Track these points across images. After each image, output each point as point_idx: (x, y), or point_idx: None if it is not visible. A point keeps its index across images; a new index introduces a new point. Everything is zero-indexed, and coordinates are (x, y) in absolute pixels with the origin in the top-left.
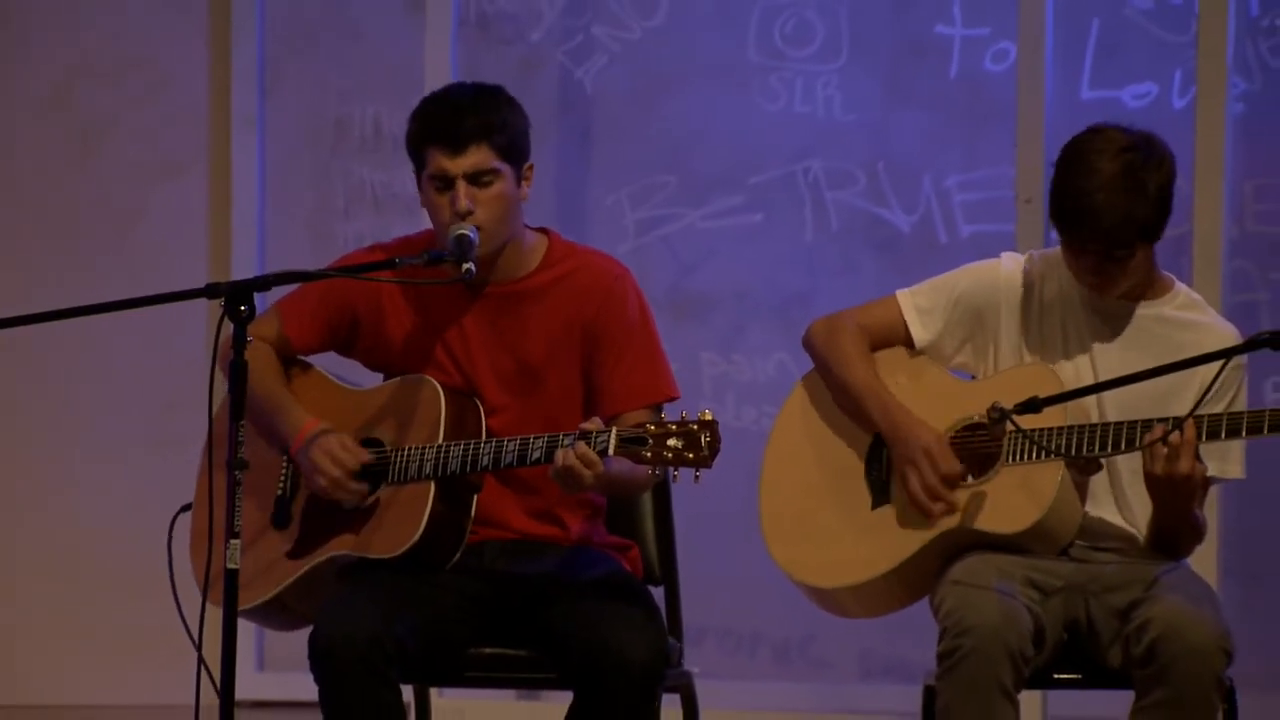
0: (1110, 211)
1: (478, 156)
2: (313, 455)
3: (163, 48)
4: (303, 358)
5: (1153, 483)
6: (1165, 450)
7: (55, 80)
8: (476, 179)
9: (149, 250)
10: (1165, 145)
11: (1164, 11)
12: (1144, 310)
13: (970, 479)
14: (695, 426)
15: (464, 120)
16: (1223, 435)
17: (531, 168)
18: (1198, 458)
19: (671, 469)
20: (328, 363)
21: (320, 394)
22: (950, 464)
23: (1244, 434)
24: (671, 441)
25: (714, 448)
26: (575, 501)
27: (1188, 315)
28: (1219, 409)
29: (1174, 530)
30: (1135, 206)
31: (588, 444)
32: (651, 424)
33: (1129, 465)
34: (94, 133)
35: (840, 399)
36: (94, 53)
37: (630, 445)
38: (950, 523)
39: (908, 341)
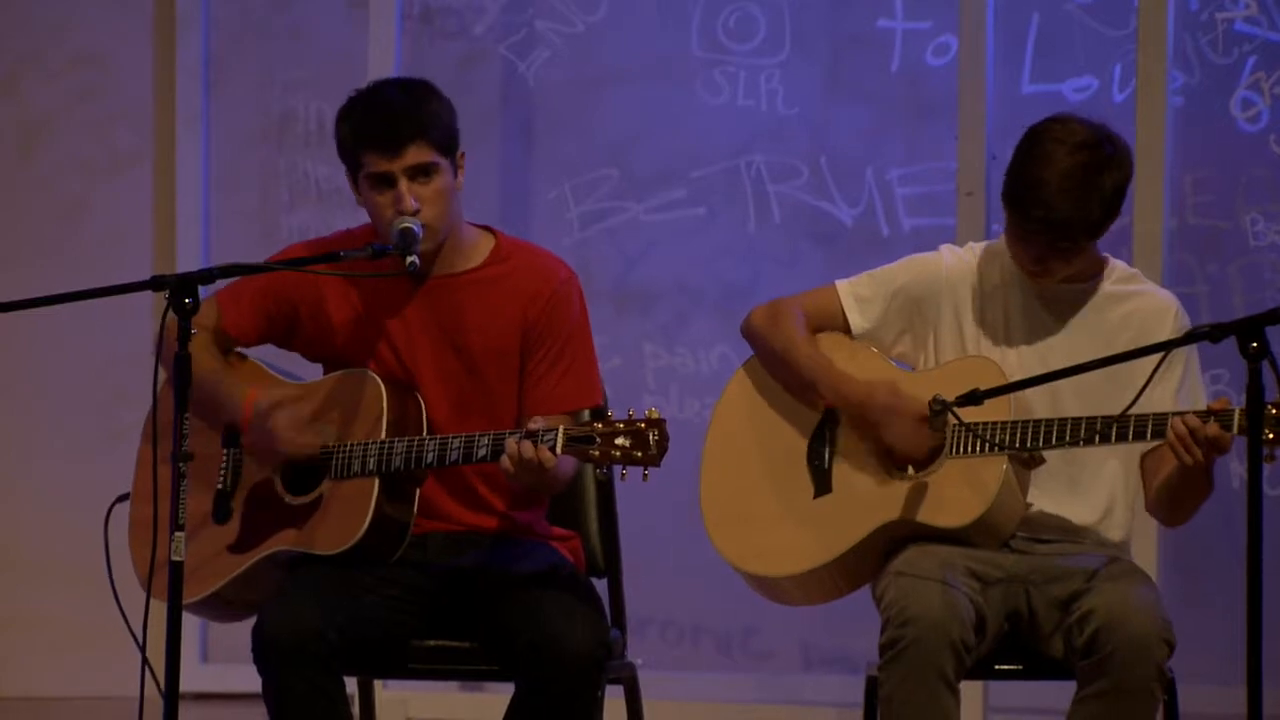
0: (1062, 206)
1: (416, 154)
2: (265, 426)
3: (108, 43)
4: (239, 351)
5: (1188, 468)
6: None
7: (0, 74)
8: (417, 174)
9: (95, 244)
10: (1125, 143)
11: (1104, 6)
12: (1083, 291)
13: (913, 470)
14: (643, 425)
15: (399, 122)
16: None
17: (463, 155)
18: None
19: (620, 467)
20: (266, 356)
21: (260, 387)
22: (916, 407)
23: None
24: (619, 440)
25: (662, 446)
26: (516, 492)
27: (1126, 288)
28: (1173, 382)
29: (1196, 490)
30: (1088, 205)
31: (534, 443)
32: (599, 422)
33: (1093, 454)
34: (39, 127)
35: (786, 380)
36: (39, 48)
37: (578, 444)
38: (893, 514)
39: (846, 331)
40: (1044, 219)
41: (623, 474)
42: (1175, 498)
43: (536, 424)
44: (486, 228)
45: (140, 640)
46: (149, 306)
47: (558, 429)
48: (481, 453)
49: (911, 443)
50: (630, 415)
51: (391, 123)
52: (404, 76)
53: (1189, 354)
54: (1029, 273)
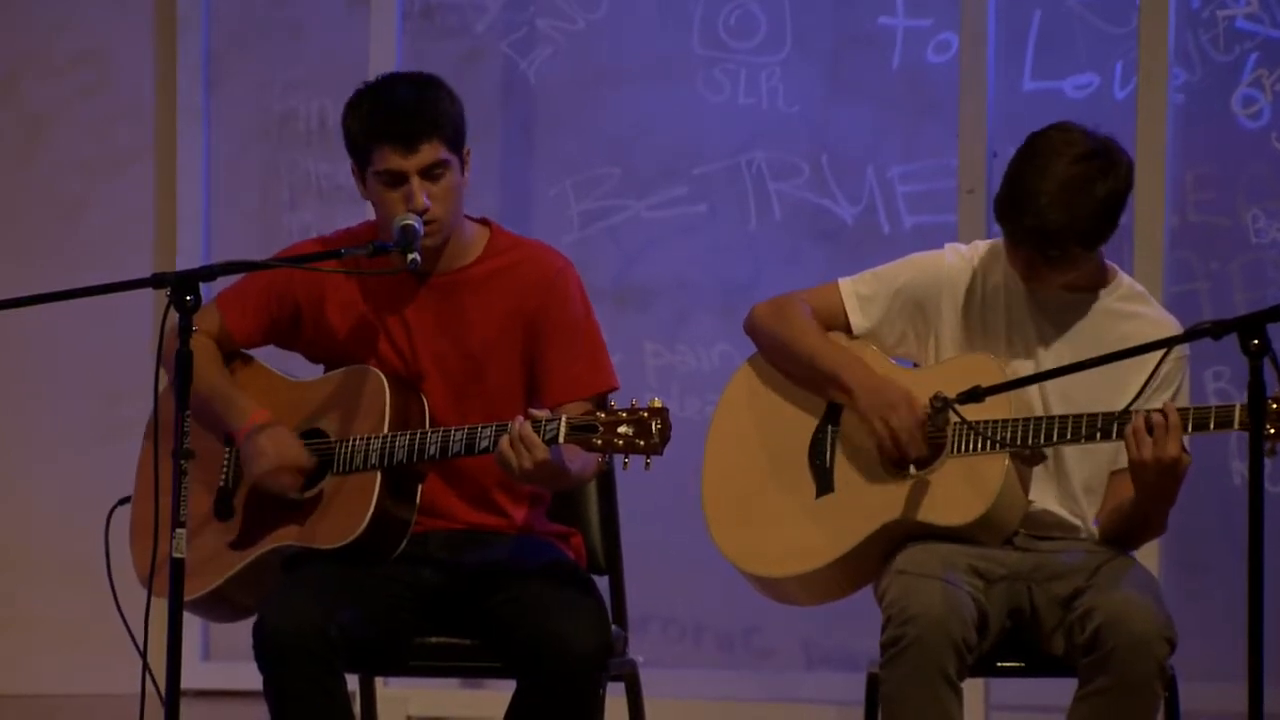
0: (1052, 216)
1: (430, 152)
2: (259, 442)
3: (108, 41)
4: (244, 351)
5: (1140, 469)
6: (1151, 435)
7: (0, 73)
8: (429, 173)
9: (95, 242)
10: (1126, 156)
11: (1105, 3)
12: (1086, 302)
13: (914, 469)
14: (646, 414)
15: (415, 118)
16: (1211, 427)
17: (469, 152)
18: (1184, 449)
19: (622, 456)
20: (268, 356)
21: (264, 387)
22: (922, 412)
23: (1213, 427)
24: (622, 429)
25: (665, 435)
26: (518, 490)
27: (1130, 306)
28: (1162, 401)
29: (1145, 522)
30: (1077, 215)
31: (536, 430)
32: (602, 411)
33: (1075, 457)
34: (40, 125)
35: (794, 370)
36: (40, 45)
37: (581, 432)
38: (894, 514)
39: (847, 329)
40: (1034, 228)
41: (625, 462)
42: (1126, 519)
43: (540, 413)
44: (483, 220)
45: (141, 639)
46: (149, 304)
47: (561, 417)
48: (484, 444)
49: (907, 441)
50: (634, 404)
51: (406, 120)
52: (412, 71)
53: (1182, 378)
54: (1023, 277)
